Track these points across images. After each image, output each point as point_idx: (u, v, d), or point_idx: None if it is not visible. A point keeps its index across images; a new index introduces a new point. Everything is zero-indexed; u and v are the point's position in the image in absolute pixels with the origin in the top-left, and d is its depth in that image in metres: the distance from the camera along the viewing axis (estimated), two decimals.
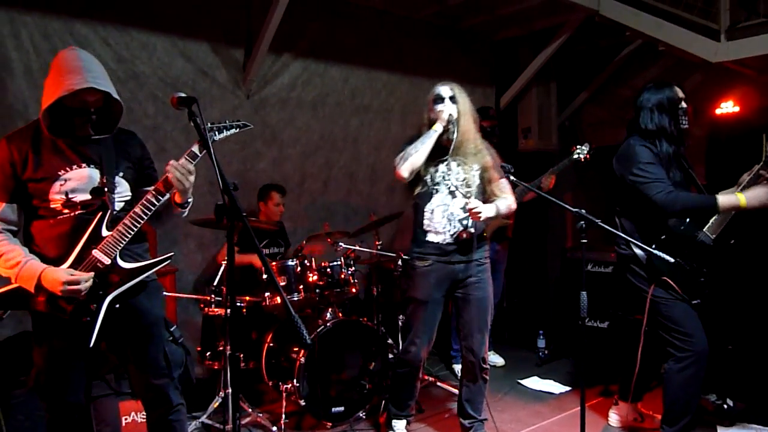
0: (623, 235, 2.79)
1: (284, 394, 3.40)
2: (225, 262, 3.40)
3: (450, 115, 2.94)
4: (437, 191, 2.97)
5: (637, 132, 2.97)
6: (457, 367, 4.83)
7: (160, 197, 2.17)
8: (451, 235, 2.95)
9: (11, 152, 2.09)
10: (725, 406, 3.52)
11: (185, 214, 2.34)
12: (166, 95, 3.99)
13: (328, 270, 3.65)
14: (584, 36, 5.40)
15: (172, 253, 2.35)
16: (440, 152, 2.97)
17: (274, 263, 3.59)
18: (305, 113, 4.76)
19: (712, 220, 2.88)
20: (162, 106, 4.00)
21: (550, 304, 5.52)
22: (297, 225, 4.67)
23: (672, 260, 2.51)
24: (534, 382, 4.28)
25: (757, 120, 4.44)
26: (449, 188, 2.96)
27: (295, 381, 3.32)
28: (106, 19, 3.80)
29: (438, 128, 2.93)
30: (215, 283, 3.48)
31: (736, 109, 4.58)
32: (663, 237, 2.87)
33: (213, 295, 3.46)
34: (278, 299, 3.51)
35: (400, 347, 3.12)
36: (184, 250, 4.19)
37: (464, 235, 2.93)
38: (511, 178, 2.88)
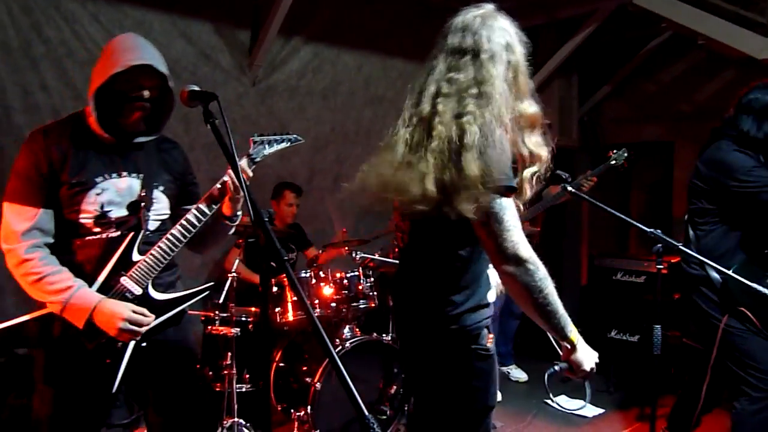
0: (698, 255, 2.39)
1: (296, 423, 3.04)
2: (231, 274, 3.03)
3: None
4: None
5: (731, 136, 2.51)
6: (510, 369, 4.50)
7: (211, 208, 1.87)
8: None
9: (49, 148, 1.72)
10: None
11: (232, 230, 2.04)
12: None
13: (345, 281, 3.29)
14: (610, 26, 5.02)
15: (212, 283, 2.04)
16: None
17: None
18: (315, 103, 4.35)
19: None
20: None
21: (575, 314, 5.18)
22: (305, 226, 4.27)
23: (758, 288, 2.16)
24: (564, 401, 3.95)
25: None
26: None
27: (309, 408, 2.96)
28: None
29: None
30: (221, 299, 3.09)
31: None
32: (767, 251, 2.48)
33: (218, 312, 3.07)
34: (289, 316, 3.16)
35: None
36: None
37: None
38: (569, 188, 2.51)
